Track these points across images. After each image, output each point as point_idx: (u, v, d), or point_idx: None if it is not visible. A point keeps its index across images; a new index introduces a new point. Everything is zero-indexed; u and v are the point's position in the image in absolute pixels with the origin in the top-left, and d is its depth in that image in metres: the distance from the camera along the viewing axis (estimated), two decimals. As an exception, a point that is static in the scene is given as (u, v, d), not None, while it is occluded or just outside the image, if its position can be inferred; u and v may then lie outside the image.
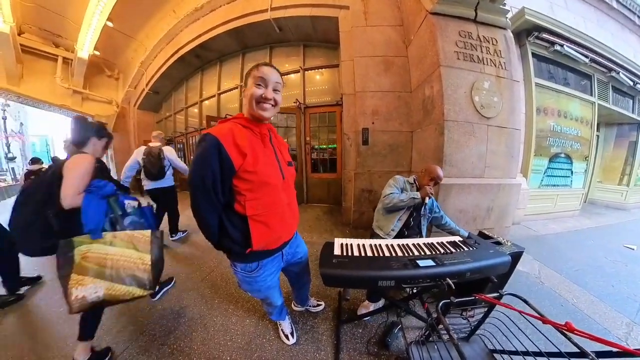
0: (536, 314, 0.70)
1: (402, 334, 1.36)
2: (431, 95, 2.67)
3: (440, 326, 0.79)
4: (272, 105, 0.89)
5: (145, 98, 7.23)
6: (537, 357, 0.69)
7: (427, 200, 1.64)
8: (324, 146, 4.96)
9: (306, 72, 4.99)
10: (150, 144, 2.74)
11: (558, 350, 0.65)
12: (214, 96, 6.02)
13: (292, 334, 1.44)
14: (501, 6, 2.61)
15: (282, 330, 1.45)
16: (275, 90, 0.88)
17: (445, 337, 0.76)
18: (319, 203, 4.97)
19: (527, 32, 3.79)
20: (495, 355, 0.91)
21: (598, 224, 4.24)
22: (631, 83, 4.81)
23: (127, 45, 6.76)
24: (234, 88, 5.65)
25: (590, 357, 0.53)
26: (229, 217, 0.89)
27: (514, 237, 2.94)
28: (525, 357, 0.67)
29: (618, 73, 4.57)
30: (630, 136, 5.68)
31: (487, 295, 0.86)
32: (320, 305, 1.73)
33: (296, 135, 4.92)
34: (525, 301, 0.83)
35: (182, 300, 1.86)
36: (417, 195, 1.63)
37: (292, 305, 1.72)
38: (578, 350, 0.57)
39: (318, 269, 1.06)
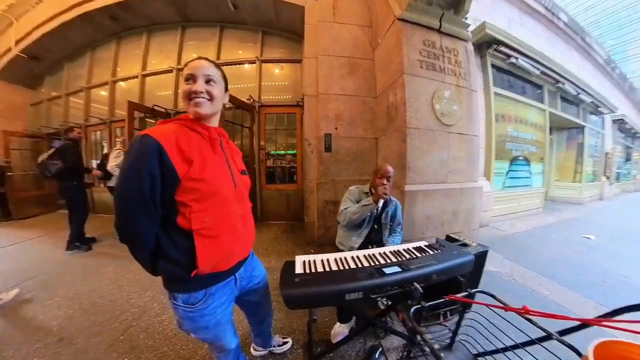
0: (500, 305, 0.85)
1: (385, 358, 1.43)
2: (395, 102, 3.01)
3: (419, 338, 0.88)
4: (208, 100, 0.88)
5: (13, 64, 5.70)
6: (515, 350, 0.83)
7: (380, 202, 1.71)
8: (282, 152, 4.95)
9: (264, 64, 4.94)
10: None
11: (530, 338, 0.79)
12: (136, 77, 5.27)
13: None
14: (463, 19, 3.13)
15: None
16: (208, 82, 0.88)
17: (427, 349, 0.85)
18: (276, 220, 4.83)
19: (488, 44, 4.65)
20: (479, 359, 1.04)
21: (559, 219, 5.37)
22: (575, 93, 6.51)
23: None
24: (168, 71, 5.03)
25: (554, 337, 0.67)
26: (168, 234, 0.84)
27: (483, 239, 3.41)
28: (505, 353, 0.80)
29: (564, 84, 6.07)
30: (578, 139, 7.74)
31: (457, 295, 1.00)
32: (287, 342, 1.64)
33: (249, 138, 4.68)
34: (492, 296, 0.99)
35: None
36: (368, 200, 1.71)
37: (252, 350, 1.56)
38: (545, 334, 0.71)
39: (279, 294, 1.03)
